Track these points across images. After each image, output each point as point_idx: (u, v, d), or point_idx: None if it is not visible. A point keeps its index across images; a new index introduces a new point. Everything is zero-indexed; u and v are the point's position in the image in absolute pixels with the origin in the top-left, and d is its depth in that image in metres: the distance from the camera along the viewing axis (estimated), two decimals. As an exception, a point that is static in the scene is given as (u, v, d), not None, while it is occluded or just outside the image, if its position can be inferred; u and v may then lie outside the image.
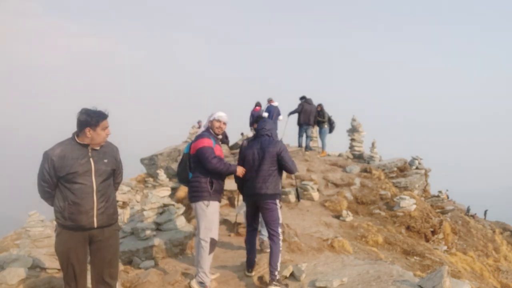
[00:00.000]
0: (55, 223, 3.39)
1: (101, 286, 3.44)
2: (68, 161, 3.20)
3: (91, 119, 3.21)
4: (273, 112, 11.34)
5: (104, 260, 3.42)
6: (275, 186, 4.48)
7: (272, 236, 4.49)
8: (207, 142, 4.30)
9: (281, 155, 4.45)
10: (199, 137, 4.42)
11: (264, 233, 5.52)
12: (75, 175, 3.21)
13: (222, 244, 6.31)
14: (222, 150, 4.56)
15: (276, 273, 4.45)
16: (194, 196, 4.36)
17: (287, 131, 13.30)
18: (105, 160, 3.37)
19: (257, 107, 12.62)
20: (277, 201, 4.52)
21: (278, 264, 4.46)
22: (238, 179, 4.71)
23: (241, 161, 4.64)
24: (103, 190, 3.33)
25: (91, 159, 3.29)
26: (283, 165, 4.52)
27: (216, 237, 4.38)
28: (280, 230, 4.53)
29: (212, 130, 4.47)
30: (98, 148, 3.35)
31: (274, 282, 4.42)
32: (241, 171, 4.49)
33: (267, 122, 4.80)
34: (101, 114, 3.27)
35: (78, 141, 3.28)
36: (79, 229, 3.27)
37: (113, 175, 3.51)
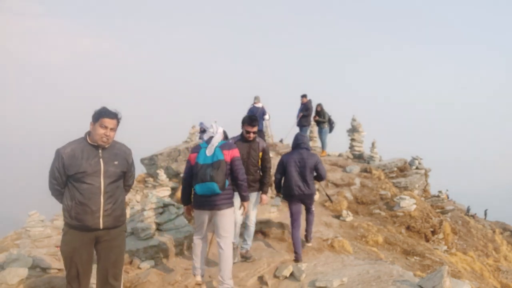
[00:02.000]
0: (63, 226, 3.39)
1: (106, 287, 3.44)
2: (78, 160, 3.20)
3: (95, 113, 3.26)
4: (256, 113, 11.33)
5: (109, 261, 3.41)
6: (313, 187, 5.77)
7: (309, 215, 6.11)
8: (239, 153, 4.50)
9: (317, 166, 5.72)
10: (232, 145, 4.44)
11: (244, 245, 5.51)
12: (84, 174, 3.20)
13: (222, 244, 6.31)
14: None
15: (311, 237, 6.29)
16: (228, 202, 4.34)
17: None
18: (116, 162, 3.35)
19: (304, 98, 12.67)
20: (314, 197, 6.05)
21: (312, 234, 6.32)
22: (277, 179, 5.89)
23: (281, 167, 5.76)
24: (111, 191, 3.30)
25: (101, 160, 3.27)
26: (317, 173, 5.81)
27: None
28: (313, 207, 6.13)
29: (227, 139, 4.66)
30: (107, 148, 3.33)
31: (309, 243, 6.22)
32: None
33: (304, 137, 5.98)
34: (106, 112, 3.25)
35: (89, 141, 3.29)
36: (84, 229, 3.26)
37: (124, 177, 3.48)
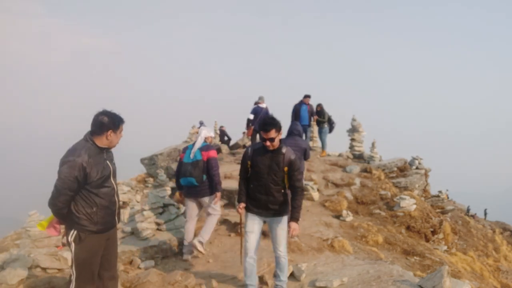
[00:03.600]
0: (73, 232, 3.26)
1: (111, 279, 3.57)
2: (96, 166, 3.21)
3: (113, 121, 3.26)
4: (260, 113, 11.37)
5: (113, 254, 3.57)
6: (303, 166, 6.83)
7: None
8: (216, 153, 5.71)
9: (306, 149, 6.89)
10: (210, 147, 5.66)
11: (278, 282, 4.41)
12: (103, 179, 3.26)
13: (222, 244, 6.31)
14: None
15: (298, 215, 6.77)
16: (207, 192, 5.62)
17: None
18: (113, 161, 3.48)
19: (306, 98, 12.54)
20: (303, 176, 6.60)
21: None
22: None
23: None
24: (117, 190, 3.47)
25: (107, 162, 3.35)
26: (305, 154, 6.89)
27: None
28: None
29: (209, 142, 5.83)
30: (110, 150, 3.44)
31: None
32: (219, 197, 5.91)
33: (298, 125, 7.07)
34: (121, 118, 3.35)
35: (98, 144, 3.27)
36: (107, 230, 3.37)
37: None
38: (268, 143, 3.99)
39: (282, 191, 4.13)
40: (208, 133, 5.71)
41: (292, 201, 4.12)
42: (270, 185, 4.08)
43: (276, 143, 4.01)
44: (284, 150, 4.07)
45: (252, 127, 11.53)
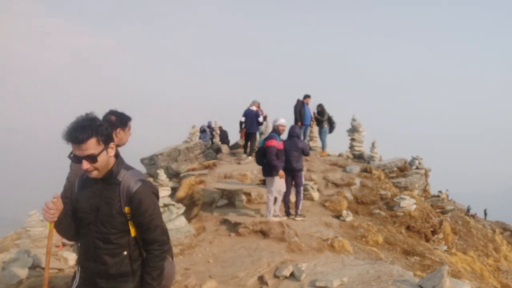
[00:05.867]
0: None
1: None
2: None
3: (121, 120, 3.40)
4: (250, 115, 11.98)
5: None
6: (301, 164, 7.95)
7: (298, 192, 7.95)
8: (274, 142, 7.16)
9: (304, 149, 7.90)
10: (269, 138, 7.25)
11: None
12: None
13: (222, 245, 6.32)
14: (282, 144, 7.42)
15: (299, 211, 7.94)
16: (270, 172, 7.21)
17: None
18: None
19: (307, 99, 13.00)
20: (302, 172, 8.02)
21: (300, 206, 7.99)
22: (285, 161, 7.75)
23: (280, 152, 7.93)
24: None
25: None
26: (304, 152, 7.91)
27: (284, 190, 7.49)
28: (302, 188, 8.01)
29: (278, 131, 7.39)
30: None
31: (297, 215, 7.88)
32: (282, 174, 7.26)
33: (297, 128, 8.25)
34: (128, 116, 3.47)
35: None
36: None
37: None
38: (86, 166, 2.16)
39: (125, 253, 2.31)
40: (283, 122, 7.40)
41: (143, 272, 2.34)
42: (97, 243, 2.28)
43: (103, 164, 2.22)
44: (121, 176, 2.32)
45: (244, 129, 12.37)
